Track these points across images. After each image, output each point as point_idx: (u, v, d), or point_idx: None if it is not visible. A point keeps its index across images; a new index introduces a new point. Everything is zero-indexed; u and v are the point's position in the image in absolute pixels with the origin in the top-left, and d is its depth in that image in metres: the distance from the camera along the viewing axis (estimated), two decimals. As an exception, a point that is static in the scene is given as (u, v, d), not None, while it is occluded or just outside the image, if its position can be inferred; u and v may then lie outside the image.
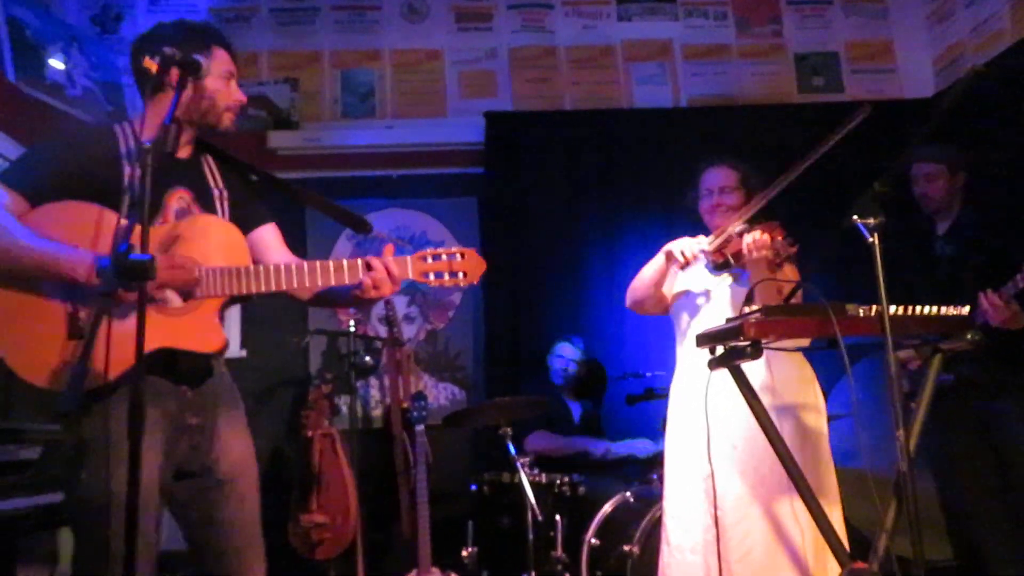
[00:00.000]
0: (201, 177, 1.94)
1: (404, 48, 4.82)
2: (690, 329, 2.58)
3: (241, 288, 1.77)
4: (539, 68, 4.84)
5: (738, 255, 2.45)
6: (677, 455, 2.52)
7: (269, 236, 2.04)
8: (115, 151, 1.80)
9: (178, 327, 1.72)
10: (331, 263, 1.81)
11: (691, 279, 2.65)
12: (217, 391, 1.90)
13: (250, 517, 1.90)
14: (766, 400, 2.26)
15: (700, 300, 2.60)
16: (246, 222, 1.97)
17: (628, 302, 2.79)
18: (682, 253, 2.49)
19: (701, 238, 2.56)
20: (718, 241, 2.47)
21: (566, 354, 3.98)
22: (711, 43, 4.89)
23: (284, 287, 1.80)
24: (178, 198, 1.86)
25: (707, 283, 2.61)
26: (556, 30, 4.87)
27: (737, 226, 2.45)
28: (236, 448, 1.90)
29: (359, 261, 1.80)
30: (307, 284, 1.80)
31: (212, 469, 1.85)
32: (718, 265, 2.53)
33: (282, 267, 1.80)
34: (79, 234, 1.72)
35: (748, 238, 2.37)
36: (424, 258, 1.83)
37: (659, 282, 2.68)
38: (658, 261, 2.64)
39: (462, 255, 1.83)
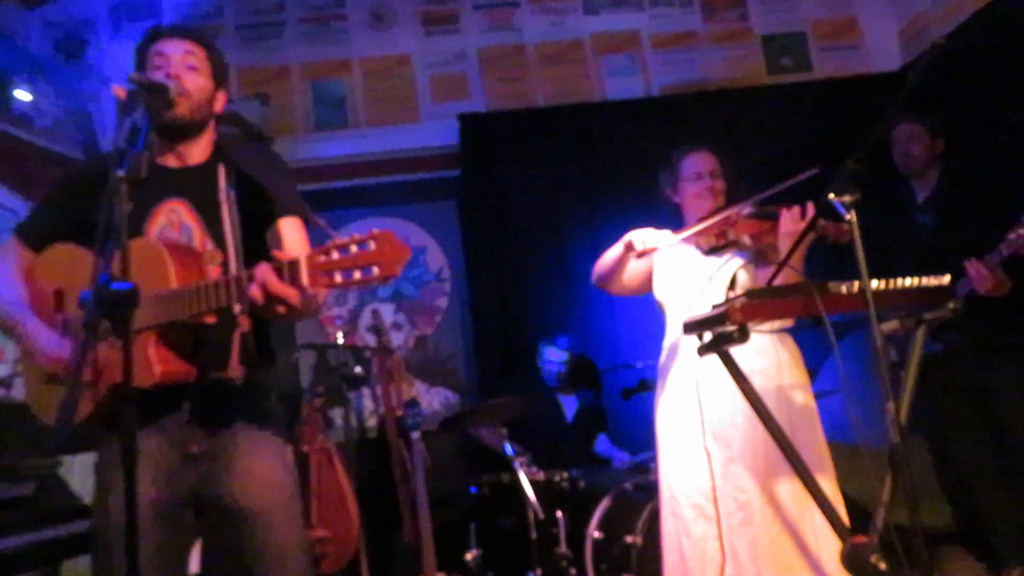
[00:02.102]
0: (207, 181, 1.86)
1: (373, 56, 4.82)
2: (691, 313, 2.54)
3: (146, 320, 1.58)
4: (509, 67, 4.85)
5: (757, 236, 2.44)
6: (689, 442, 2.45)
7: (282, 232, 1.87)
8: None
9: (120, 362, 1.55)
10: (213, 282, 1.55)
11: (685, 263, 2.62)
12: (233, 415, 1.81)
13: (279, 548, 1.78)
14: (759, 382, 2.28)
15: (700, 283, 2.56)
16: (261, 219, 1.87)
17: (593, 278, 2.75)
18: (643, 243, 2.46)
19: (665, 231, 2.54)
20: (713, 222, 2.45)
21: (552, 357, 3.99)
22: (678, 31, 4.92)
23: (172, 316, 1.58)
24: (168, 211, 1.81)
25: (705, 266, 2.59)
26: (523, 28, 4.88)
27: (746, 208, 2.44)
28: (257, 474, 1.79)
29: (243, 274, 1.51)
30: (190, 311, 1.56)
31: (231, 499, 1.77)
32: (715, 248, 2.52)
33: (160, 295, 1.60)
34: (72, 278, 1.74)
35: (787, 213, 2.35)
36: (326, 253, 1.41)
37: (618, 270, 2.64)
38: (617, 250, 2.59)
39: (375, 240, 1.38)
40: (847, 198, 1.76)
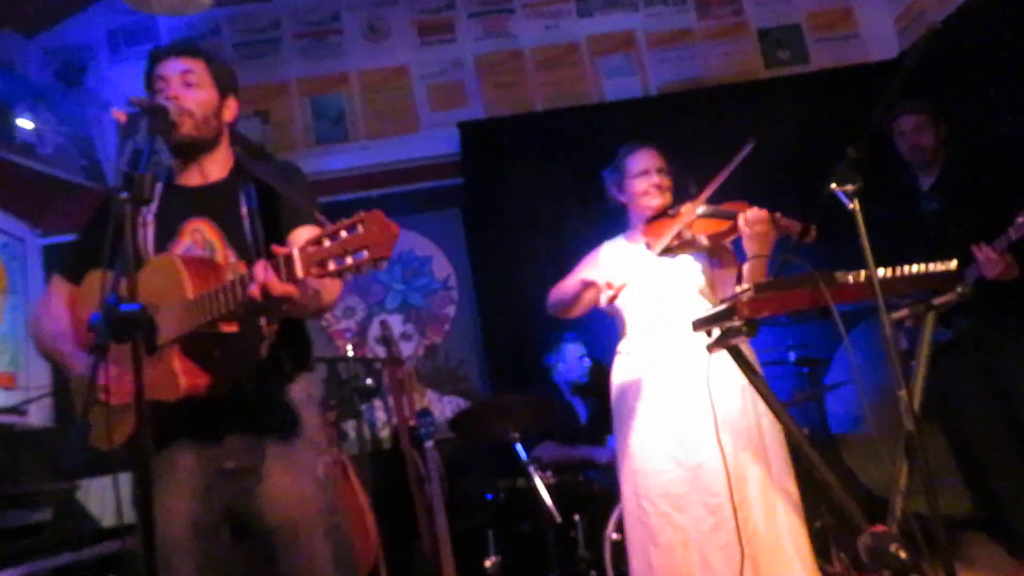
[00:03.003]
0: (229, 197, 1.88)
1: (370, 68, 4.84)
2: (658, 316, 2.52)
3: (168, 333, 1.60)
4: (506, 73, 4.86)
5: (715, 236, 2.43)
6: (656, 449, 2.40)
7: (295, 239, 1.84)
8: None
9: (150, 378, 1.52)
10: (220, 287, 1.56)
11: (638, 267, 2.58)
12: (265, 428, 1.81)
13: (306, 562, 1.77)
14: (737, 381, 2.30)
15: (659, 286, 2.55)
16: (280, 229, 1.87)
17: (549, 310, 2.72)
18: (608, 285, 2.37)
19: (631, 262, 2.53)
20: (675, 230, 2.44)
21: (579, 354, 3.96)
22: (674, 28, 4.92)
23: (189, 326, 1.59)
24: (191, 231, 1.83)
25: (660, 269, 2.57)
26: (519, 33, 4.89)
27: (700, 207, 2.44)
28: (286, 490, 1.79)
29: (243, 275, 1.52)
30: (204, 319, 1.56)
31: (259, 515, 1.77)
32: (667, 249, 2.50)
33: (178, 307, 1.61)
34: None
35: (748, 213, 2.34)
36: (317, 242, 1.41)
37: (576, 306, 2.61)
38: (576, 288, 2.55)
39: (362, 223, 1.37)
40: (849, 187, 1.76)
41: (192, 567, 1.72)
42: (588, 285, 2.49)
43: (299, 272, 1.42)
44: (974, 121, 3.76)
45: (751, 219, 2.33)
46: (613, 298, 2.38)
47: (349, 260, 1.37)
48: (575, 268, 2.75)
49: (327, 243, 1.39)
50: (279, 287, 1.45)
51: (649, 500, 2.38)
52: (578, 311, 2.67)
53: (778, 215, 2.35)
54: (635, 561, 2.43)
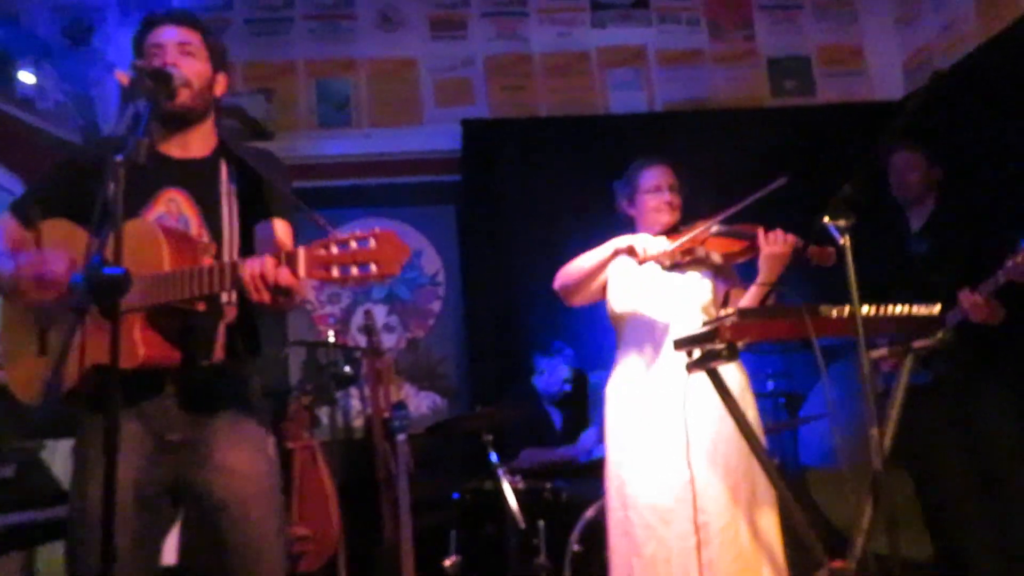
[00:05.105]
0: (210, 175, 1.86)
1: (379, 57, 4.82)
2: (662, 330, 2.52)
3: (135, 300, 1.55)
4: (515, 75, 4.86)
5: (730, 255, 2.44)
6: (650, 461, 2.41)
7: (266, 232, 1.86)
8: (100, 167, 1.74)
9: (106, 344, 1.44)
10: (207, 267, 1.57)
11: (644, 279, 2.59)
12: (214, 404, 1.79)
13: (256, 543, 1.77)
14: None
15: (663, 300, 2.55)
16: (253, 216, 1.87)
17: (558, 285, 2.67)
18: (644, 250, 2.45)
19: (661, 238, 2.54)
20: (687, 239, 2.46)
21: (563, 375, 3.96)
22: (685, 48, 4.93)
23: (162, 299, 1.58)
24: (167, 200, 1.80)
25: (666, 283, 2.57)
26: (531, 37, 4.89)
27: (715, 226, 2.45)
28: (236, 466, 1.78)
29: (238, 261, 1.53)
30: (181, 295, 1.56)
31: (207, 491, 1.76)
32: (676, 264, 2.51)
33: (152, 277, 1.59)
34: (71, 252, 1.72)
35: (774, 233, 2.35)
36: (325, 247, 1.43)
37: (596, 276, 2.61)
38: (604, 254, 2.57)
39: (375, 239, 1.41)
40: (842, 222, 1.77)
41: (130, 537, 1.67)
42: (628, 250, 2.50)
43: (301, 271, 1.46)
44: (971, 167, 3.78)
45: (775, 238, 2.33)
46: (644, 260, 2.46)
47: (355, 271, 1.41)
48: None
49: (335, 249, 1.43)
50: (276, 279, 1.47)
51: (636, 511, 2.38)
52: (589, 289, 2.64)
53: (792, 239, 2.36)
54: (617, 572, 2.43)
